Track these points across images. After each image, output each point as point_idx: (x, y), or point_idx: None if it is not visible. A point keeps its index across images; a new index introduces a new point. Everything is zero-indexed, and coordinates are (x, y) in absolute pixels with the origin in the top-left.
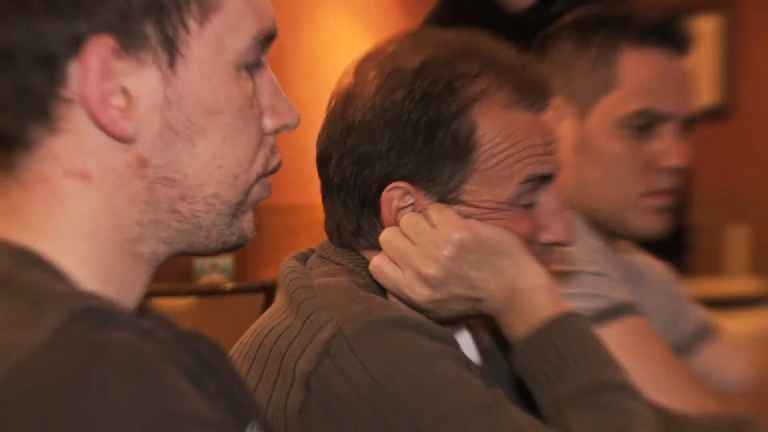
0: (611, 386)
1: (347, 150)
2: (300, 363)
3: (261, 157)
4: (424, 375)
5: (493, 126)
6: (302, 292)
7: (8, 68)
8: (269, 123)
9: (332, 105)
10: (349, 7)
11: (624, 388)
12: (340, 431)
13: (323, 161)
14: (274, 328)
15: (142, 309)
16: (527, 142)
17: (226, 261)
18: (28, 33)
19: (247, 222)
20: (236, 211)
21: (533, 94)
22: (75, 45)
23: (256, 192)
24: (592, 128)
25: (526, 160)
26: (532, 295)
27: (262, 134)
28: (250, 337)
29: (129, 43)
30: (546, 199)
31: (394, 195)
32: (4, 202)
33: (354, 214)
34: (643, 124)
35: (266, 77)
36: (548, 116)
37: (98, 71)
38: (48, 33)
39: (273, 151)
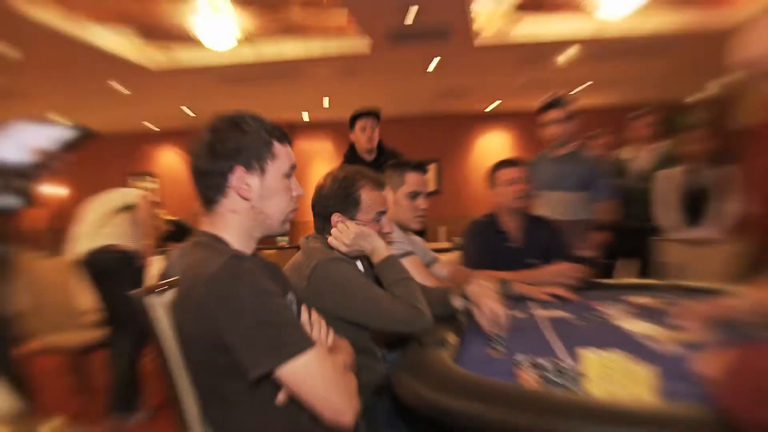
0: (407, 278)
1: (320, 202)
2: (306, 271)
3: (291, 205)
4: (346, 276)
5: (367, 195)
6: (308, 249)
7: (209, 177)
8: (294, 193)
9: (317, 188)
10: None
11: (411, 279)
12: (317, 297)
13: (314, 206)
14: (298, 260)
15: (253, 254)
16: (379, 200)
17: (284, 237)
18: (217, 165)
19: (287, 226)
20: (283, 223)
21: (380, 185)
22: (230, 169)
23: (289, 216)
24: (398, 196)
25: (377, 206)
26: (379, 249)
27: (291, 197)
28: (290, 263)
29: (248, 167)
30: (384, 218)
31: (335, 218)
32: (210, 221)
33: (322, 223)
34: (414, 194)
35: (293, 179)
36: (385, 193)
37: (238, 178)
38: (223, 165)
39: (295, 203)
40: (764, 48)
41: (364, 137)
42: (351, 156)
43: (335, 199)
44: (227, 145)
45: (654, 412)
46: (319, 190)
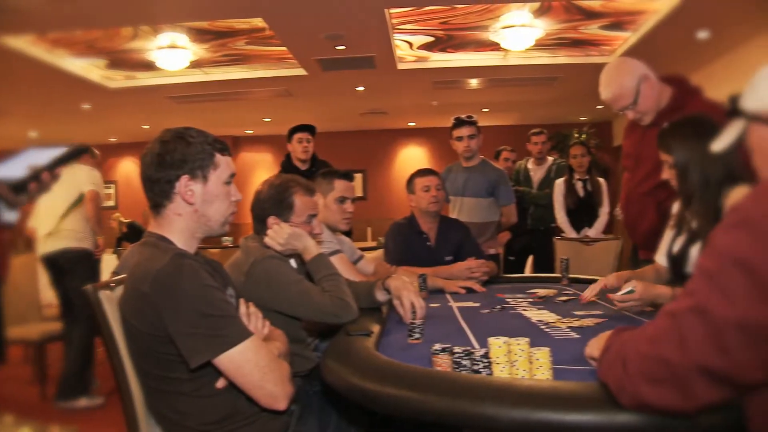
0: (335, 274)
1: (258, 206)
2: (245, 268)
3: (230, 209)
4: (281, 272)
5: (300, 201)
6: (246, 248)
7: (158, 184)
8: (232, 198)
9: (255, 194)
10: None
11: (339, 275)
12: (254, 291)
13: (253, 210)
14: (237, 258)
15: (196, 253)
16: (309, 205)
17: (229, 238)
18: (165, 173)
19: (226, 228)
20: (222, 225)
21: (311, 191)
22: (177, 177)
23: (228, 219)
24: (328, 201)
25: (308, 210)
26: (310, 248)
27: (230, 202)
28: (230, 260)
29: (193, 175)
30: (315, 221)
31: (271, 220)
32: (158, 223)
33: (260, 225)
34: (342, 199)
35: (233, 186)
36: (315, 198)
37: (184, 185)
38: (170, 173)
39: (234, 207)
40: (613, 93)
41: (300, 148)
42: (287, 165)
43: (271, 204)
44: (174, 156)
45: (551, 391)
46: (258, 195)
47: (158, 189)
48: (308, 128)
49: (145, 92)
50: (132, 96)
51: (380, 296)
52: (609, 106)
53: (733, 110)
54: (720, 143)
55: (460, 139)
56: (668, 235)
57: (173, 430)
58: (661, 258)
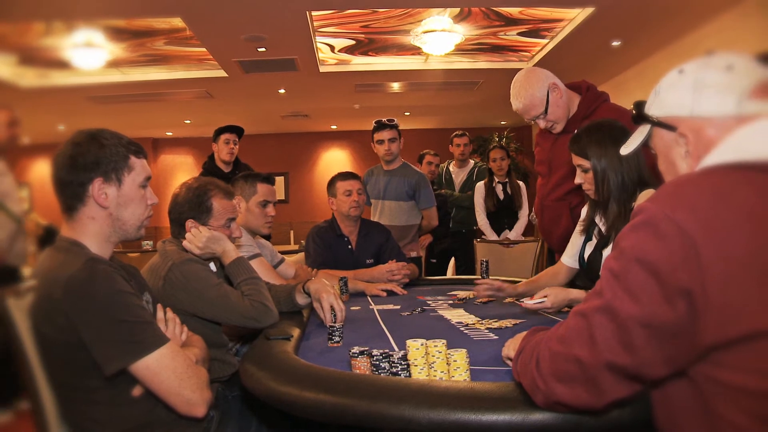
0: (254, 278)
1: (175, 209)
2: (162, 272)
3: (146, 212)
4: (199, 276)
5: (218, 204)
6: (164, 251)
7: (70, 187)
8: (148, 202)
9: (173, 197)
10: None
11: (259, 278)
12: (172, 295)
13: (170, 213)
14: (155, 262)
15: (111, 258)
16: (228, 208)
17: (149, 241)
18: (77, 176)
19: (142, 231)
20: (138, 229)
21: (229, 194)
22: (90, 180)
23: (144, 222)
24: (250, 205)
25: (227, 213)
26: (229, 251)
27: (146, 205)
28: (147, 265)
29: (106, 179)
30: (233, 224)
31: (189, 223)
32: (70, 227)
33: (178, 229)
34: (264, 203)
35: (149, 189)
36: (235, 201)
37: (97, 188)
38: (82, 176)
39: (150, 210)
40: (523, 104)
41: (226, 149)
42: (210, 166)
43: (189, 207)
44: (87, 158)
45: (467, 391)
46: (175, 198)
47: (70, 192)
48: (236, 129)
49: (60, 92)
50: (46, 95)
51: (300, 300)
52: (521, 115)
53: (638, 116)
54: (627, 148)
55: (380, 142)
56: (577, 238)
57: None
58: (566, 259)
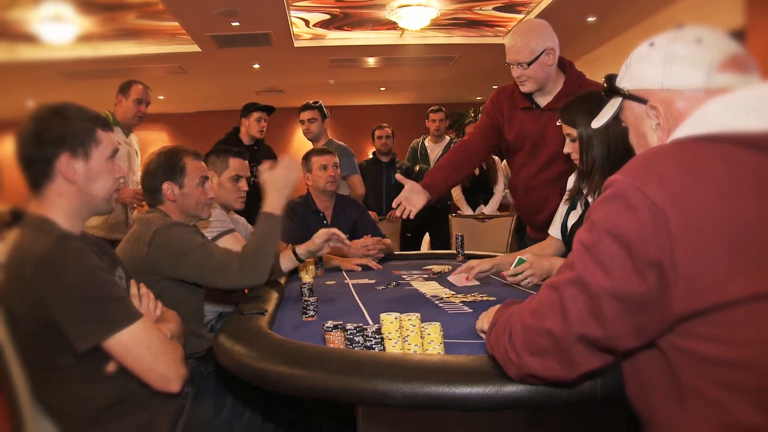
0: (267, 235)
1: (149, 177)
2: (147, 237)
3: (115, 185)
4: (185, 238)
5: (191, 163)
6: (145, 220)
7: (36, 163)
8: (117, 175)
9: (144, 167)
10: None
11: (275, 242)
12: (157, 260)
13: (143, 183)
14: (135, 231)
15: (82, 233)
16: (200, 168)
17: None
18: (42, 151)
19: (112, 204)
20: (108, 201)
21: (199, 156)
22: (56, 155)
23: (114, 195)
24: (223, 179)
25: (199, 172)
26: (275, 201)
27: (115, 178)
28: (126, 236)
29: (73, 154)
30: (207, 184)
31: (165, 186)
32: (38, 203)
33: (153, 197)
34: (237, 178)
35: (116, 162)
36: (203, 163)
37: (65, 163)
38: (48, 151)
39: (119, 183)
40: (515, 44)
41: (258, 126)
42: (234, 138)
43: (162, 169)
44: (52, 133)
45: (441, 364)
46: (147, 167)
47: (37, 168)
48: (267, 108)
49: (29, 67)
50: (14, 70)
51: (285, 264)
52: (506, 52)
53: (609, 89)
54: (599, 121)
55: (302, 122)
56: (562, 207)
57: (63, 420)
58: (554, 231)
